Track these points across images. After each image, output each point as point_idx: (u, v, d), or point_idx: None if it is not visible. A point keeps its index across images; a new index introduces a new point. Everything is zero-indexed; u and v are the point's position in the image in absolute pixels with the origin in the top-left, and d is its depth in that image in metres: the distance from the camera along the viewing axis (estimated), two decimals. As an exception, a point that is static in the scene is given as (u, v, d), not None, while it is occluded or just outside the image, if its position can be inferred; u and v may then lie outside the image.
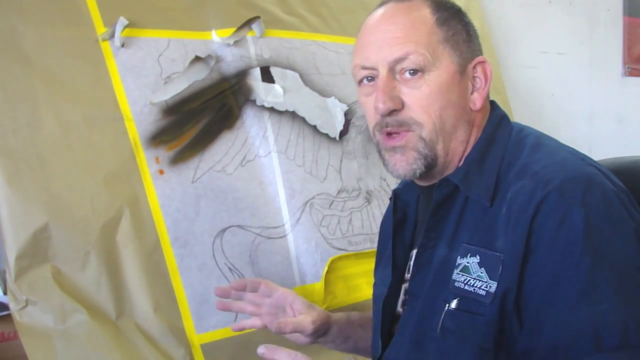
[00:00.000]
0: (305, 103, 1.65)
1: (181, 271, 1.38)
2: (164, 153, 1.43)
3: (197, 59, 1.52)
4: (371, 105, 1.02)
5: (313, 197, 1.59)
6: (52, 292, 1.25)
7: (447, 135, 1.00)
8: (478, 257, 0.94)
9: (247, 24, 1.60)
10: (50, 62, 1.36)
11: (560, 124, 2.46)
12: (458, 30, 1.02)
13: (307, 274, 1.53)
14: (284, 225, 1.54)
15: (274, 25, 1.67)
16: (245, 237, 1.47)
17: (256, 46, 1.62)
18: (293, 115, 1.62)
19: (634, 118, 2.67)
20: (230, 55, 1.58)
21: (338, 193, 1.64)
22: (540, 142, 1.00)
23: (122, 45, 1.43)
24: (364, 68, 1.02)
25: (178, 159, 1.44)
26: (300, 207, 1.56)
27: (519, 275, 0.90)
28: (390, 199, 1.18)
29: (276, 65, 1.63)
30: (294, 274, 1.52)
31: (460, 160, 1.03)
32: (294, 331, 1.18)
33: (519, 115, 2.24)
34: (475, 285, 0.93)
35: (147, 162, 1.40)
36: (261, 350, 0.94)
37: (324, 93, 1.70)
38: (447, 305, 0.96)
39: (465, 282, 0.94)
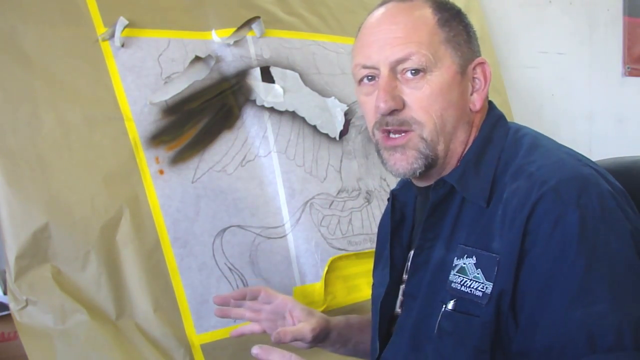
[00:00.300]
0: (305, 103, 1.65)
1: (181, 271, 1.38)
2: (164, 153, 1.43)
3: (197, 59, 1.52)
4: (371, 105, 1.01)
5: (313, 197, 1.59)
6: (52, 292, 1.25)
7: (447, 136, 1.00)
8: (474, 258, 0.94)
9: (247, 24, 1.60)
10: (50, 62, 1.36)
11: (560, 124, 2.46)
12: (459, 31, 1.02)
13: (307, 274, 1.53)
14: (284, 225, 1.54)
15: (274, 25, 1.67)
16: (245, 237, 1.47)
17: (256, 46, 1.62)
18: (293, 115, 1.62)
19: (634, 118, 2.67)
20: (230, 55, 1.58)
21: (338, 193, 1.64)
22: (537, 143, 1.00)
23: (122, 45, 1.43)
24: (365, 67, 1.02)
25: (178, 159, 1.44)
26: (300, 207, 1.56)
27: (515, 276, 0.90)
28: (388, 199, 1.18)
29: (276, 65, 1.64)
30: (294, 274, 1.52)
31: (458, 161, 1.03)
32: (294, 340, 1.17)
33: (519, 115, 2.24)
34: (471, 286, 0.93)
35: (147, 162, 1.40)
36: (255, 350, 0.93)
37: (324, 93, 1.70)
38: (444, 306, 0.96)
39: (461, 283, 0.94)
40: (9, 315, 1.27)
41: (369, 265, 1.47)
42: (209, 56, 1.54)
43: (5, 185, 1.25)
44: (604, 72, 2.63)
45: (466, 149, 1.03)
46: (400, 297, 1.09)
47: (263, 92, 1.59)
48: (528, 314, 0.89)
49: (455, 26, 1.02)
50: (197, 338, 1.37)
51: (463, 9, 1.06)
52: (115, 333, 1.28)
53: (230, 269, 1.43)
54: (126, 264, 1.33)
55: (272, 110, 1.59)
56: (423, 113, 0.99)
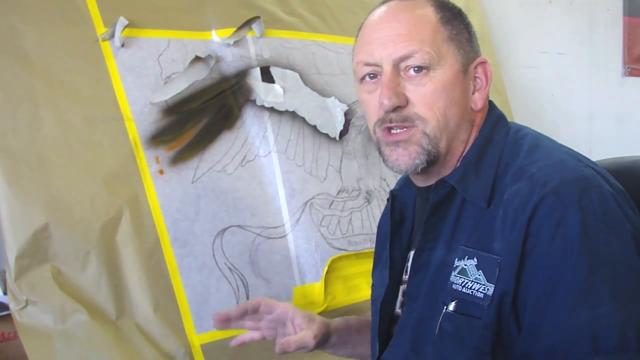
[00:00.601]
0: (305, 103, 1.65)
1: (181, 271, 1.38)
2: (164, 153, 1.43)
3: (197, 59, 1.52)
4: (373, 102, 1.01)
5: (313, 197, 1.59)
6: (52, 292, 1.25)
7: (450, 134, 1.00)
8: (476, 260, 0.94)
9: (247, 24, 1.60)
10: (50, 62, 1.36)
11: (560, 124, 2.46)
12: (460, 30, 1.02)
13: (307, 274, 1.53)
14: (284, 225, 1.54)
15: (274, 25, 1.67)
16: (245, 237, 1.47)
17: (256, 46, 1.62)
18: (293, 115, 1.62)
19: (634, 118, 2.67)
20: (230, 55, 1.58)
21: (338, 193, 1.64)
22: (538, 143, 1.00)
23: (122, 45, 1.43)
24: (368, 64, 1.01)
25: (178, 159, 1.44)
26: (300, 207, 1.56)
27: (516, 278, 0.90)
28: (387, 200, 1.18)
29: (276, 65, 1.63)
30: (294, 274, 1.52)
31: (458, 161, 1.02)
32: (298, 349, 1.17)
33: (519, 115, 2.24)
34: (473, 287, 0.93)
35: (147, 162, 1.40)
36: None
37: (324, 93, 1.70)
38: (445, 307, 0.96)
39: (462, 284, 0.94)
40: (9, 315, 1.27)
41: (368, 265, 1.46)
42: (209, 56, 1.54)
43: (5, 185, 1.25)
44: (604, 72, 2.63)
45: (467, 149, 1.02)
46: (400, 297, 1.09)
47: (263, 92, 1.59)
48: (531, 316, 0.89)
49: (457, 25, 1.02)
50: (197, 338, 1.37)
51: (463, 9, 1.06)
52: (115, 333, 1.28)
53: (230, 269, 1.43)
54: (126, 264, 1.33)
55: (272, 110, 1.59)
56: (427, 109, 0.98)
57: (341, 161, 1.68)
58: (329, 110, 1.69)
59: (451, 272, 0.96)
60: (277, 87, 1.61)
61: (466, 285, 0.94)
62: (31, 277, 1.25)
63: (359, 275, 1.62)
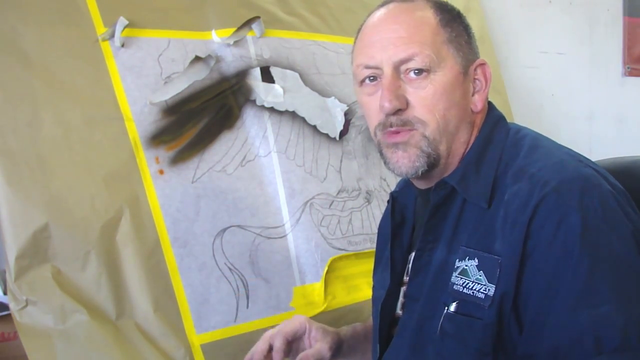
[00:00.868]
0: (305, 103, 1.65)
1: (181, 271, 1.38)
2: (164, 153, 1.43)
3: (197, 59, 1.52)
4: (373, 105, 1.01)
5: (313, 197, 1.59)
6: (52, 292, 1.25)
7: (450, 136, 1.00)
8: (476, 260, 0.94)
9: (247, 24, 1.60)
10: (50, 62, 1.36)
11: (560, 124, 2.46)
12: (460, 31, 1.02)
13: (307, 274, 1.53)
14: (284, 225, 1.54)
15: (274, 25, 1.67)
16: (245, 237, 1.47)
17: (256, 46, 1.62)
18: (293, 115, 1.62)
19: (634, 118, 2.67)
20: (230, 55, 1.58)
21: (338, 193, 1.64)
22: (538, 144, 1.00)
23: (122, 45, 1.43)
24: (368, 67, 1.01)
25: (178, 159, 1.44)
26: (300, 207, 1.56)
27: (517, 278, 0.90)
28: (388, 201, 1.18)
29: (276, 65, 1.63)
30: (294, 274, 1.52)
31: (458, 162, 1.02)
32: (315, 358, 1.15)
33: (519, 115, 2.24)
34: (474, 288, 0.93)
35: (147, 162, 1.40)
36: None
37: (324, 93, 1.70)
38: (446, 308, 0.96)
39: (464, 285, 0.94)
40: (9, 315, 1.27)
41: (368, 265, 1.46)
42: (209, 56, 1.54)
43: (5, 185, 1.25)
44: (604, 72, 2.63)
45: (467, 150, 1.02)
46: (401, 298, 1.09)
47: (263, 92, 1.59)
48: (532, 316, 0.89)
49: (457, 27, 1.02)
50: (197, 338, 1.37)
51: (463, 9, 1.07)
52: (115, 333, 1.28)
53: (230, 269, 1.43)
54: (126, 264, 1.33)
55: (272, 110, 1.59)
56: (426, 112, 0.98)
57: (341, 161, 1.68)
58: (329, 110, 1.69)
59: (452, 273, 0.96)
60: (277, 87, 1.61)
61: (467, 286, 0.94)
62: (31, 277, 1.25)
63: (359, 275, 1.62)
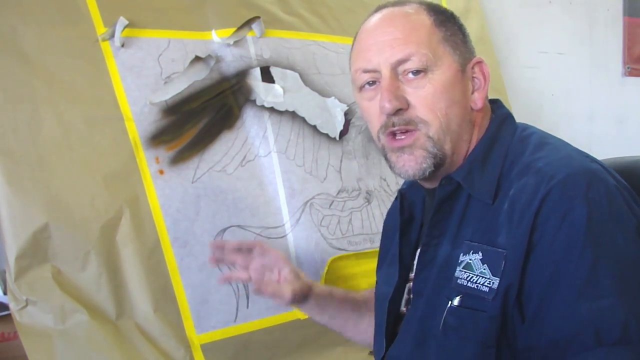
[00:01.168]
0: (305, 103, 1.65)
1: (181, 271, 1.38)
2: (164, 153, 1.43)
3: (197, 59, 1.52)
4: (374, 109, 1.02)
5: (313, 197, 1.59)
6: (52, 292, 1.25)
7: (453, 134, 1.01)
8: (480, 254, 0.94)
9: (247, 24, 1.60)
10: (50, 62, 1.36)
11: (560, 124, 2.46)
12: (454, 31, 1.03)
13: (307, 274, 1.53)
14: (284, 225, 1.54)
15: (274, 25, 1.67)
16: (245, 237, 1.47)
17: (256, 46, 1.62)
18: (293, 115, 1.62)
19: (634, 118, 2.67)
20: (230, 55, 1.58)
21: (338, 193, 1.64)
22: (544, 142, 1.00)
23: (122, 45, 1.43)
24: (366, 71, 1.02)
25: (178, 159, 1.44)
26: (300, 207, 1.56)
27: (522, 270, 0.90)
28: (396, 198, 1.18)
29: (276, 65, 1.63)
30: (294, 274, 1.52)
31: (463, 160, 1.03)
32: (273, 297, 1.24)
33: (519, 115, 2.21)
34: (478, 282, 0.93)
35: (147, 162, 1.40)
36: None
37: (324, 93, 1.70)
38: (450, 302, 0.96)
39: (468, 279, 0.95)
40: (9, 315, 1.27)
41: (368, 265, 1.47)
42: (209, 56, 1.54)
43: (5, 185, 1.25)
44: (604, 72, 2.63)
45: (470, 148, 1.03)
46: (406, 295, 1.09)
47: (263, 92, 1.59)
48: (534, 307, 0.89)
49: (451, 27, 1.03)
50: (197, 338, 1.37)
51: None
52: (115, 333, 1.28)
53: (230, 269, 1.43)
54: (126, 264, 1.33)
55: (272, 110, 1.59)
56: (428, 111, 0.99)
57: (341, 161, 1.68)
58: (329, 110, 1.69)
59: (456, 268, 0.97)
60: (277, 87, 1.61)
61: (471, 280, 0.94)
62: (31, 277, 1.25)
63: (359, 275, 1.62)
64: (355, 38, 1.07)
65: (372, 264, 1.28)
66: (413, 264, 1.09)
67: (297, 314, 1.49)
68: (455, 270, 0.97)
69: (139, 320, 1.32)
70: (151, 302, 1.33)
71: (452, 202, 1.01)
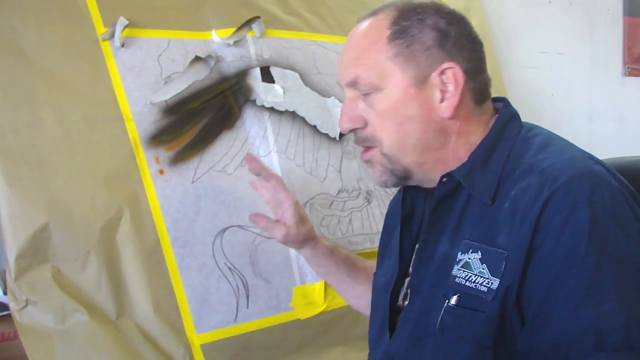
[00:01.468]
0: (305, 103, 1.65)
1: (181, 271, 1.38)
2: (164, 153, 1.43)
3: (197, 59, 1.52)
4: None
5: (313, 197, 1.59)
6: (52, 292, 1.25)
7: (414, 149, 1.01)
8: (480, 253, 0.94)
9: (247, 24, 1.60)
10: (50, 62, 1.36)
11: (560, 124, 2.46)
12: (417, 39, 0.99)
13: (307, 274, 1.53)
14: (284, 225, 1.53)
15: (274, 25, 1.67)
16: (245, 237, 1.47)
17: (256, 46, 1.62)
18: (293, 115, 1.62)
19: (634, 118, 2.67)
20: (230, 55, 1.58)
21: (338, 193, 1.64)
22: (549, 142, 1.00)
23: (122, 45, 1.43)
24: (339, 85, 1.08)
25: (178, 159, 1.44)
26: (300, 207, 1.56)
27: (522, 272, 0.90)
28: (399, 190, 1.18)
29: (276, 65, 1.63)
30: (294, 274, 1.52)
31: (466, 158, 1.02)
32: (265, 229, 1.34)
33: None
34: (476, 281, 0.93)
35: (147, 162, 1.40)
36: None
37: (324, 93, 1.70)
38: (447, 301, 0.96)
39: (466, 278, 0.94)
40: (9, 315, 1.27)
41: (369, 265, 1.46)
42: (209, 56, 1.54)
43: (5, 185, 1.25)
44: (604, 72, 2.63)
45: (471, 147, 1.02)
46: (404, 289, 1.09)
47: (263, 92, 1.59)
48: (536, 310, 0.89)
49: (415, 34, 0.99)
50: (197, 338, 1.37)
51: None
52: (115, 333, 1.28)
53: (230, 269, 1.43)
54: (126, 264, 1.33)
55: (272, 110, 1.59)
56: (379, 130, 1.02)
57: (341, 161, 1.68)
58: (329, 110, 1.69)
59: (454, 266, 0.96)
60: (277, 87, 1.61)
61: (469, 279, 0.94)
62: (31, 277, 1.25)
63: (359, 275, 1.62)
64: None
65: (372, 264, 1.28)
66: (412, 259, 1.09)
67: (297, 314, 1.49)
68: (453, 269, 0.96)
69: (139, 320, 1.32)
70: (151, 302, 1.33)
71: (452, 199, 1.01)
